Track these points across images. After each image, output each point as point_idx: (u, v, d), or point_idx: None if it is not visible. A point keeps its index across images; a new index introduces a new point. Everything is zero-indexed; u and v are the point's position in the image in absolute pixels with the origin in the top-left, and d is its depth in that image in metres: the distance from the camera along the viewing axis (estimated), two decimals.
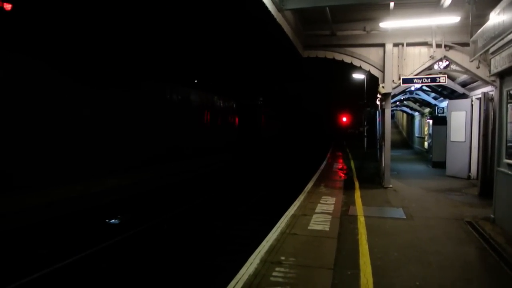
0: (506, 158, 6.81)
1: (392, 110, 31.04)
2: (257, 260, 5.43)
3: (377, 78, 11.73)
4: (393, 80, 11.27)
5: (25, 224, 9.94)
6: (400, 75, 11.16)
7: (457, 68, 10.93)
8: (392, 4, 9.34)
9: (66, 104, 13.37)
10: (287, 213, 8.35)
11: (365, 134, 30.23)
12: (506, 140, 6.87)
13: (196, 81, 29.94)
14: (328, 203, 9.31)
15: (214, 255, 7.94)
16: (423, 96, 20.07)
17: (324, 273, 4.97)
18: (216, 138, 27.64)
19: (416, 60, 11.15)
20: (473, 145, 12.25)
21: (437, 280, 4.78)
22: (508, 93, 6.85)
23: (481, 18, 8.09)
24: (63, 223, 10.48)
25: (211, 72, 33.35)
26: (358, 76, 25.30)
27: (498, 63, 6.93)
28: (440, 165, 14.87)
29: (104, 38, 19.69)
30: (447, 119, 13.69)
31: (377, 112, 20.01)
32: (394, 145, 22.76)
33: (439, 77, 10.78)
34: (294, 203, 9.40)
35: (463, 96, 13.49)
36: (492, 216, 7.35)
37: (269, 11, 8.34)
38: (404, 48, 11.16)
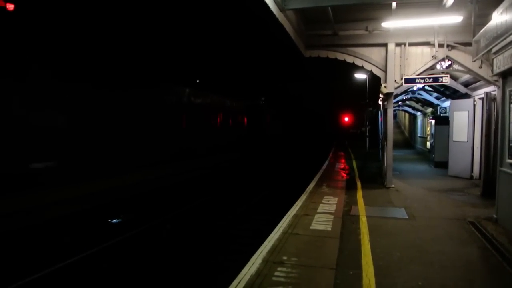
0: (509, 158, 6.80)
1: (394, 110, 30.97)
2: (259, 260, 5.44)
3: (379, 78, 11.71)
4: (395, 80, 11.25)
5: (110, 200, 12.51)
6: (402, 75, 11.14)
7: (460, 68, 10.91)
8: (394, 3, 9.32)
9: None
10: (289, 213, 8.35)
11: (367, 134, 30.19)
12: (509, 140, 6.86)
13: (210, 85, 31.06)
14: (330, 203, 9.30)
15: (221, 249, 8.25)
16: (426, 96, 20.04)
17: (326, 273, 4.97)
18: (230, 137, 30.39)
19: (418, 60, 11.13)
20: (476, 145, 12.21)
21: (439, 280, 4.78)
22: (511, 93, 6.84)
23: (484, 17, 8.06)
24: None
25: (217, 73, 33.71)
26: (360, 76, 25.26)
27: (501, 62, 6.92)
28: (442, 165, 14.85)
29: (143, 55, 21.44)
30: (450, 119, 13.65)
31: (379, 112, 19.98)
32: (396, 145, 22.74)
33: (442, 77, 10.76)
34: (296, 203, 9.40)
35: (466, 96, 13.45)
36: (494, 216, 7.33)
37: (271, 11, 8.33)
38: (407, 48, 11.14)
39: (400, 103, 27.19)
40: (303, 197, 10.13)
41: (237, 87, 36.92)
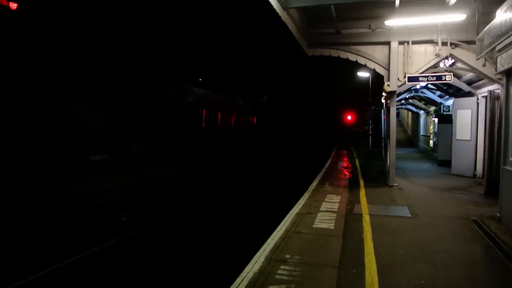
0: None
1: (397, 109, 30.84)
2: (262, 258, 5.45)
3: (382, 76, 11.68)
4: (398, 78, 11.22)
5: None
6: (405, 73, 11.11)
7: (463, 66, 10.87)
8: (397, 1, 9.28)
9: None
10: (292, 211, 8.36)
11: (370, 132, 30.14)
12: None
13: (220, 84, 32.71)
14: (333, 202, 9.31)
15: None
16: (429, 94, 19.97)
17: (329, 271, 4.97)
18: (242, 135, 32.47)
19: (421, 58, 11.09)
20: (479, 143, 12.18)
21: (442, 278, 4.77)
22: None
23: (488, 15, 8.05)
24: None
25: (223, 73, 34.30)
26: (363, 74, 25.18)
27: (505, 61, 6.89)
28: (446, 163, 14.81)
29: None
30: (453, 117, 13.61)
31: (382, 110, 19.95)
32: (399, 144, 22.70)
33: (445, 75, 10.72)
34: (299, 201, 9.41)
35: (469, 94, 13.41)
36: (498, 214, 7.31)
37: (274, 10, 8.33)
38: (410, 46, 11.11)
39: (403, 101, 27.11)
40: (306, 196, 10.13)
41: (243, 86, 37.34)
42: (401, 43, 11.17)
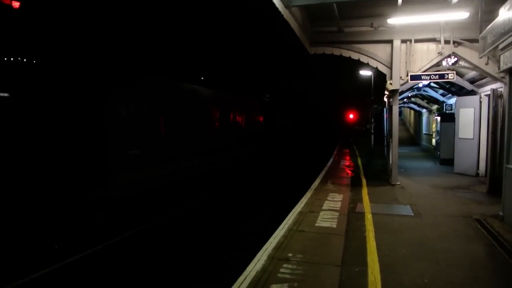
0: None
1: (400, 107, 30.85)
2: (264, 256, 5.46)
3: (384, 75, 11.65)
4: (400, 77, 11.19)
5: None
6: (408, 71, 11.07)
7: (466, 64, 10.82)
8: None
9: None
10: (294, 210, 8.36)
11: (372, 131, 30.07)
12: None
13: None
14: (335, 200, 9.30)
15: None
16: (431, 92, 19.90)
17: (332, 270, 4.98)
18: (251, 133, 35.41)
19: (424, 56, 11.05)
20: (482, 142, 12.14)
21: (445, 277, 4.77)
22: None
23: (491, 14, 8.01)
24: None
25: (227, 72, 35.18)
26: (365, 73, 25.12)
27: (508, 59, 6.86)
28: (448, 162, 14.77)
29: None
30: (455, 116, 13.57)
31: (384, 109, 19.89)
32: (402, 142, 22.62)
33: (448, 74, 10.69)
34: (301, 200, 9.41)
35: (472, 92, 13.35)
36: (501, 213, 7.29)
37: (277, 8, 8.32)
38: (412, 45, 11.07)
39: (405, 100, 27.01)
40: (308, 194, 10.13)
41: (249, 86, 37.93)
42: (403, 41, 11.13)
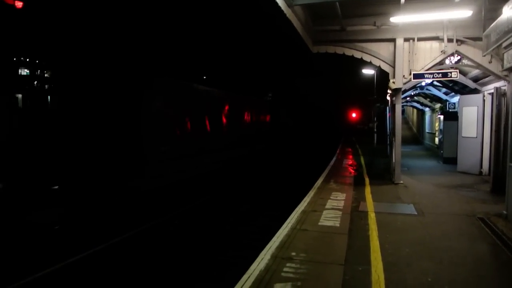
0: None
1: (403, 106, 30.75)
2: (268, 255, 5.47)
3: (387, 74, 11.63)
4: (403, 75, 11.16)
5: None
6: (411, 70, 11.05)
7: (469, 63, 10.78)
8: None
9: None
10: (297, 209, 8.37)
11: (375, 130, 30.03)
12: None
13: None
14: (338, 199, 9.31)
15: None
16: (434, 91, 19.85)
17: (335, 269, 4.98)
18: (259, 131, 38.32)
19: (427, 55, 11.02)
20: (485, 140, 12.10)
21: (449, 276, 4.77)
22: None
23: (494, 12, 7.97)
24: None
25: (231, 72, 35.87)
26: (368, 71, 25.05)
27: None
28: (451, 161, 14.73)
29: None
30: (459, 114, 13.52)
31: (387, 107, 19.86)
32: (405, 141, 22.57)
33: (451, 72, 10.64)
34: (304, 199, 9.41)
35: (475, 91, 13.31)
36: (504, 212, 7.28)
37: (279, 7, 8.33)
38: (415, 43, 11.04)
39: (408, 98, 26.96)
40: (311, 193, 10.13)
41: (255, 86, 38.49)
42: (406, 40, 11.10)
